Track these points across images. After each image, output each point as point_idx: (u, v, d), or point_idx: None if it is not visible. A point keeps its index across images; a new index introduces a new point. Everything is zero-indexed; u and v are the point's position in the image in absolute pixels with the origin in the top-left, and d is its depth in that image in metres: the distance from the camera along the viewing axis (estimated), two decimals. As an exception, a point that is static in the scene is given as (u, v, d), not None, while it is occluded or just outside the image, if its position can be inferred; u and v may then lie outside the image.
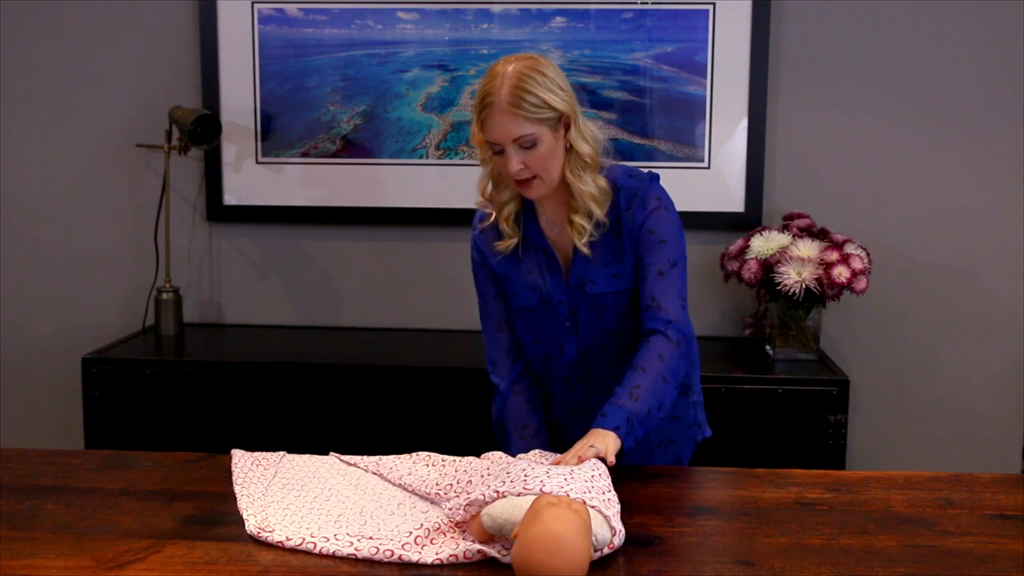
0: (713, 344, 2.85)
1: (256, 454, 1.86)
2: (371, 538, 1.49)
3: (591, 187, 1.86)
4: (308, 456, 1.89)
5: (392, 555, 1.44)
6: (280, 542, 1.49)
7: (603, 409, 1.77)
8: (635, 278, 1.91)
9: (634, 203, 1.89)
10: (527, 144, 1.79)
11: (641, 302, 1.89)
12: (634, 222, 1.88)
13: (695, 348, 1.99)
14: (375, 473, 1.80)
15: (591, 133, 1.88)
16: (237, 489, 1.70)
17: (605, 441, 1.69)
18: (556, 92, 1.80)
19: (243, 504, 1.63)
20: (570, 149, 1.85)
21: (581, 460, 1.64)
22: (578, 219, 1.87)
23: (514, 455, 1.80)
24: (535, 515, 1.38)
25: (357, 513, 1.62)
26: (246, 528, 1.54)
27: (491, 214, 1.96)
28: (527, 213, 1.94)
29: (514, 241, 1.93)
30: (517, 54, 1.86)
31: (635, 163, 2.38)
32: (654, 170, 1.96)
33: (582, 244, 1.87)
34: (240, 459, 1.83)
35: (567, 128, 1.84)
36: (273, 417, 2.62)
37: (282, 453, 1.88)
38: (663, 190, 1.92)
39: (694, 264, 2.15)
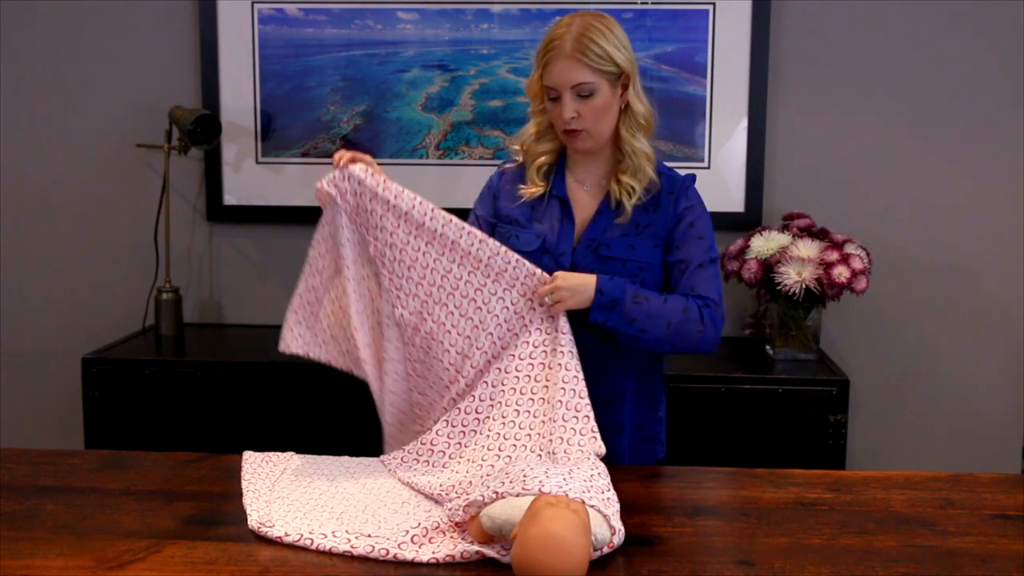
0: (713, 344, 2.85)
1: (267, 454, 1.86)
2: (369, 536, 1.50)
3: (646, 147, 1.91)
4: (318, 456, 1.89)
5: (387, 554, 1.44)
6: (279, 537, 1.50)
7: (609, 276, 1.83)
8: (649, 256, 1.91)
9: (677, 189, 1.94)
10: (585, 92, 1.85)
11: (678, 292, 1.90)
12: (675, 207, 1.92)
13: (705, 346, 1.87)
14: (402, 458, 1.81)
15: (646, 101, 1.93)
16: (244, 485, 1.70)
17: (581, 291, 1.79)
18: (620, 49, 1.86)
19: (248, 500, 1.64)
20: (626, 109, 1.90)
21: (539, 292, 1.81)
22: (627, 179, 1.91)
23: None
24: (534, 515, 1.38)
25: (360, 511, 1.62)
26: (248, 523, 1.54)
27: (518, 161, 2.03)
28: (557, 170, 1.99)
29: (539, 190, 1.97)
30: (585, 11, 1.92)
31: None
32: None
33: (629, 204, 1.90)
34: (250, 458, 1.85)
35: (625, 88, 1.89)
36: (273, 417, 2.62)
37: (291, 453, 1.89)
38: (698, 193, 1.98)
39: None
